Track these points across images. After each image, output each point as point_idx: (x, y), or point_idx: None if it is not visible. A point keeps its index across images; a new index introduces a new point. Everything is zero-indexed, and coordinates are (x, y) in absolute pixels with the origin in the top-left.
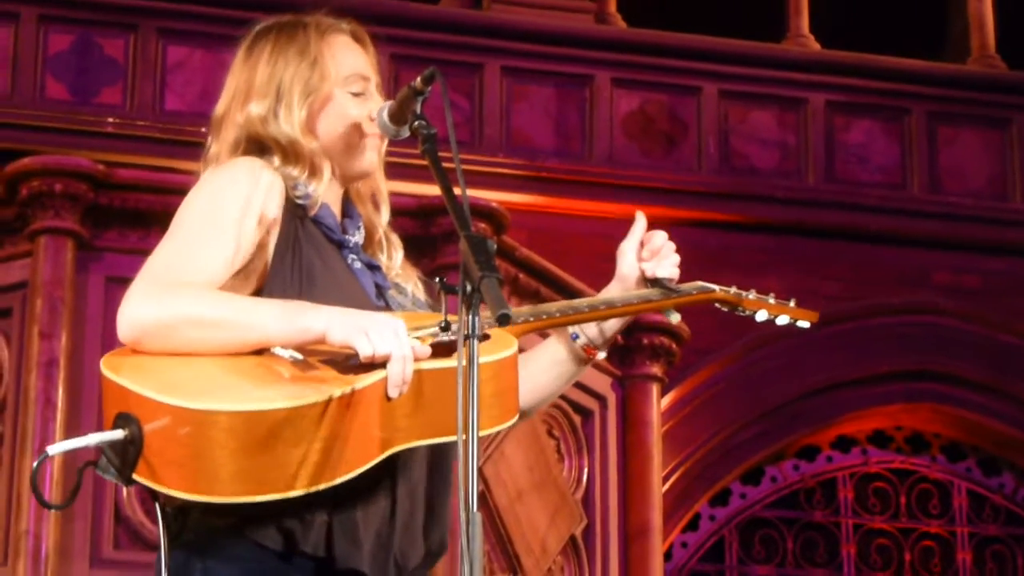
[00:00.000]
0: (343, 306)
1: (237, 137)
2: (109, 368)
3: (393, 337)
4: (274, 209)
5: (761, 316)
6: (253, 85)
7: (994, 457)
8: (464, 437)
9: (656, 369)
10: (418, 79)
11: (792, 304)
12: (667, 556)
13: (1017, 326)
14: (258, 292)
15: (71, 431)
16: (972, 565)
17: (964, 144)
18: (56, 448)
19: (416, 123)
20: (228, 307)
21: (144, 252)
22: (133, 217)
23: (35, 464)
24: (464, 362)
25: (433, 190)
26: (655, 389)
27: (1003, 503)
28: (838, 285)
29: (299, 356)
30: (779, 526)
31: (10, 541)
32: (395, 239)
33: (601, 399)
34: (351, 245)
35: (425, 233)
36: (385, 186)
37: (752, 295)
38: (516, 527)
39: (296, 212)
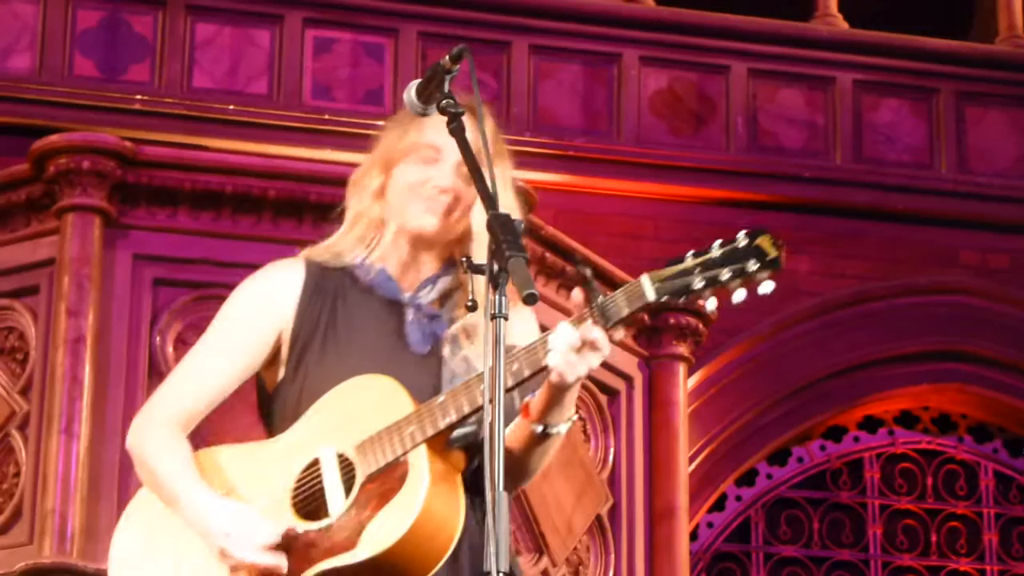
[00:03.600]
0: (367, 360)
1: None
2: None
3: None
4: (277, 313)
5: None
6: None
7: (1021, 438)
8: (490, 417)
9: (683, 349)
10: (446, 57)
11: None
12: (693, 536)
13: None
14: (297, 366)
15: (97, 409)
16: (999, 546)
17: (992, 124)
18: None
19: (444, 101)
20: (158, 475)
21: (172, 230)
22: (161, 194)
23: None
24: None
25: None
26: (682, 369)
27: None
28: (865, 265)
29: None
30: (805, 507)
31: (36, 520)
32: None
33: (627, 379)
34: (408, 300)
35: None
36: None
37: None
38: (542, 507)
39: (343, 285)
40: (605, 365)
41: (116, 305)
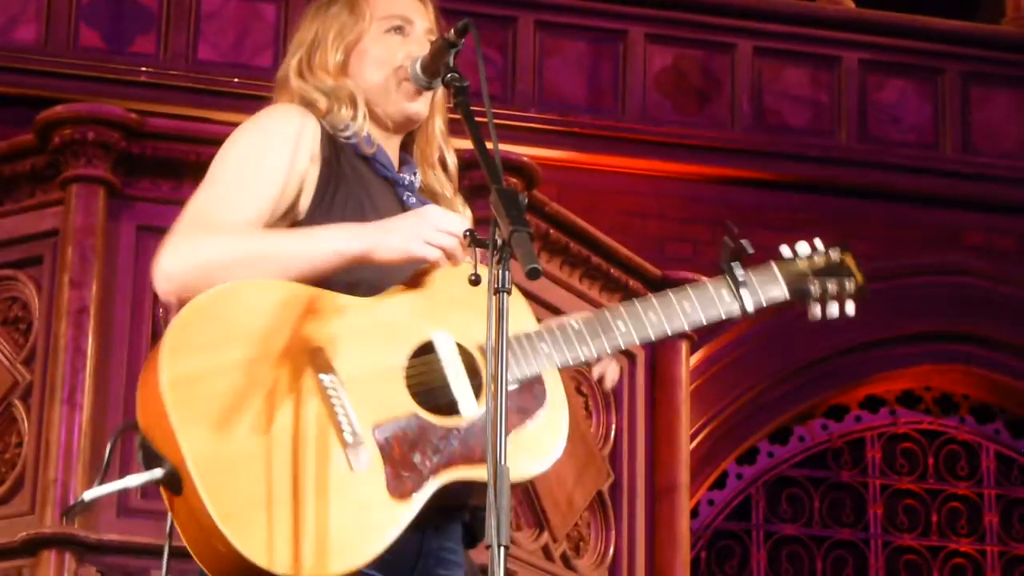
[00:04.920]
0: None
1: (289, 93)
2: (169, 385)
3: (445, 232)
4: (306, 150)
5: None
6: (299, 41)
7: (1023, 419)
8: (492, 394)
9: None
10: (451, 31)
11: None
12: (694, 514)
13: None
14: (341, 218)
15: (100, 380)
16: (999, 527)
17: (997, 105)
18: (93, 493)
19: (449, 75)
20: (261, 242)
21: (176, 202)
22: (165, 166)
23: (67, 510)
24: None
25: (464, 143)
26: (684, 347)
27: None
28: (869, 245)
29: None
30: (806, 485)
31: (38, 490)
32: (457, 202)
33: (630, 356)
34: (405, 183)
35: (456, 186)
36: (449, 149)
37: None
38: (543, 482)
39: (344, 151)
40: None
41: (120, 276)
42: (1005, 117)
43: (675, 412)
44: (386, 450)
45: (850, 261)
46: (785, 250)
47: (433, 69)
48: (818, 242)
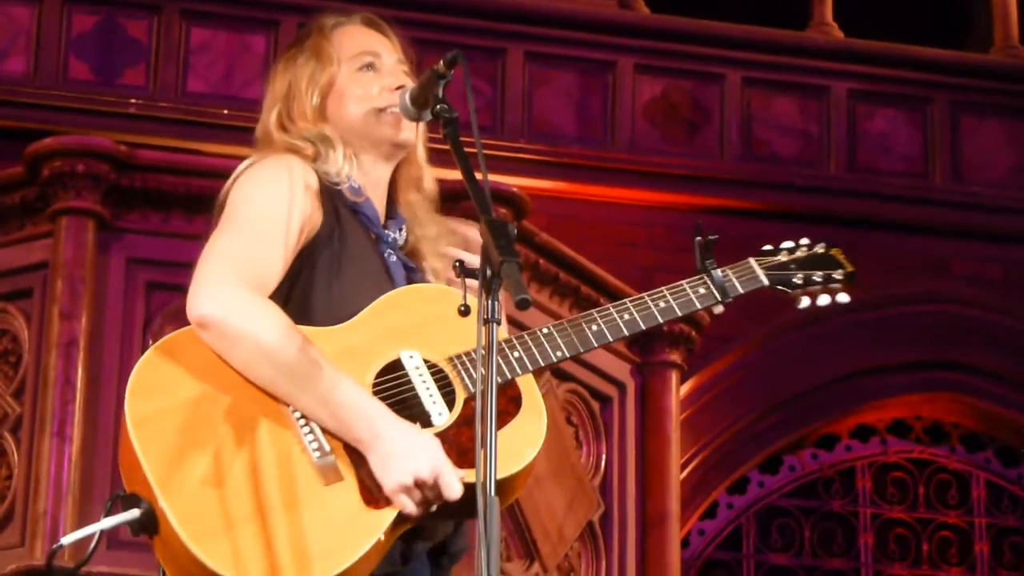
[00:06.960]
0: (364, 294)
1: (274, 147)
2: (134, 425)
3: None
4: (312, 199)
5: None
6: (273, 96)
7: (1013, 448)
8: (481, 423)
9: (675, 356)
10: (440, 63)
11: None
12: (684, 544)
13: None
14: (296, 272)
15: (89, 412)
16: (990, 556)
17: (987, 134)
18: (70, 538)
19: (438, 107)
20: (294, 366)
21: (165, 234)
22: (155, 198)
23: (50, 554)
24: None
25: (454, 174)
26: (674, 376)
27: (1022, 494)
28: (859, 274)
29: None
30: (797, 515)
31: (28, 522)
32: (442, 243)
33: (620, 386)
34: (389, 240)
35: (436, 208)
36: (429, 176)
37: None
38: (533, 513)
39: (336, 200)
40: (597, 372)
41: (109, 308)
42: (994, 146)
43: (665, 442)
44: (358, 463)
45: (837, 253)
46: (767, 247)
47: (422, 100)
48: (803, 240)
